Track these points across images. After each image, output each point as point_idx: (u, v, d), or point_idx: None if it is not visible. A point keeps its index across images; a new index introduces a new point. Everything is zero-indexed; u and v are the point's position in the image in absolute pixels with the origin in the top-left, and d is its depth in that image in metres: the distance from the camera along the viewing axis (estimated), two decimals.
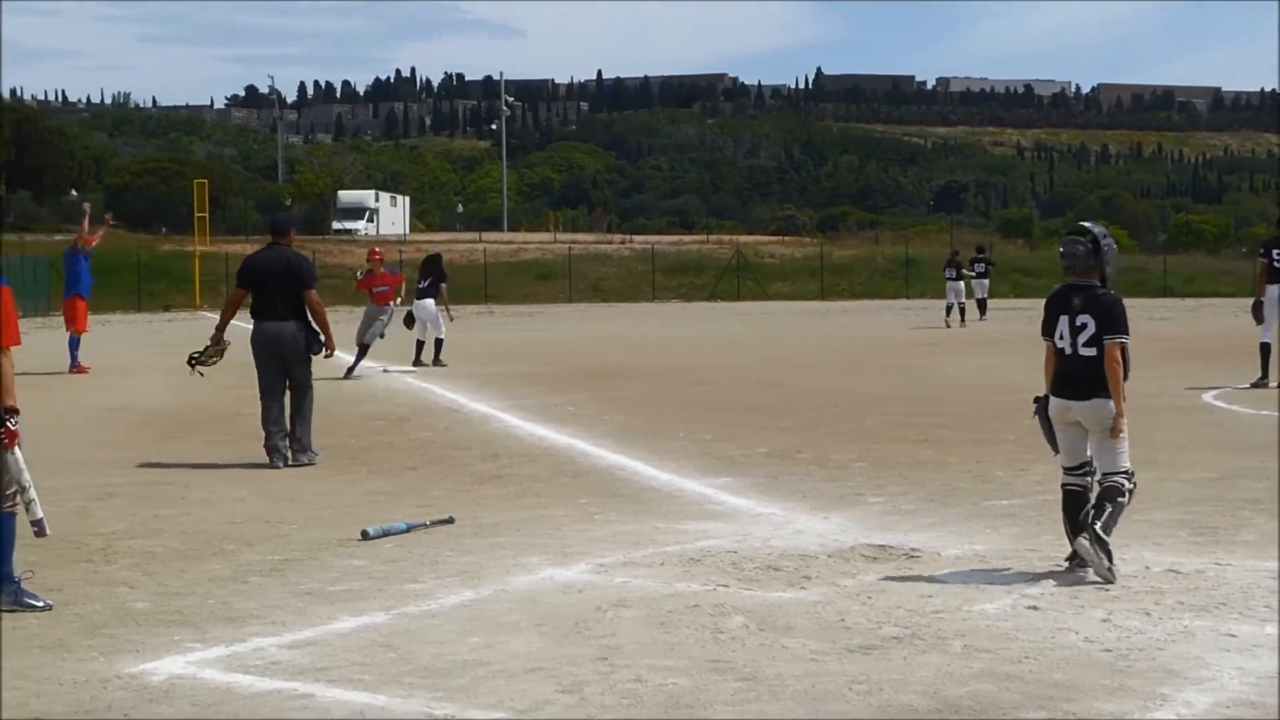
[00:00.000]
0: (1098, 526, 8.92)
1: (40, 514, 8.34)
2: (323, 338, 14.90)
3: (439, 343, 27.38)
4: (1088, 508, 9.14)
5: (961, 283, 45.20)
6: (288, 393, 14.72)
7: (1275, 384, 20.69)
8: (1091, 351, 9.19)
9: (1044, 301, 9.71)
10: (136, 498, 12.41)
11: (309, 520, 11.29)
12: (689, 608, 8.24)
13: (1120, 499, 9.09)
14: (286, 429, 14.57)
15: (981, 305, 46.16)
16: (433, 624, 7.97)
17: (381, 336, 25.63)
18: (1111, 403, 9.10)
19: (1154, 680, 6.75)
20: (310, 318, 14.77)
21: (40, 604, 8.32)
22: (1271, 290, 21.20)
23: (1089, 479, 9.29)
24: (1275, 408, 18.29)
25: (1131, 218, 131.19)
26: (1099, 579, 8.84)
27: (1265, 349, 21.25)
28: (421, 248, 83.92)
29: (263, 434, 14.60)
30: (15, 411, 8.24)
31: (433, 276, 27.67)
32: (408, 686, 6.76)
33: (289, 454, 14.47)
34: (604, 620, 7.99)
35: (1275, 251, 21.24)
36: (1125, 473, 9.16)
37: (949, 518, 11.24)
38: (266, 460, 14.37)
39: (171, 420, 18.40)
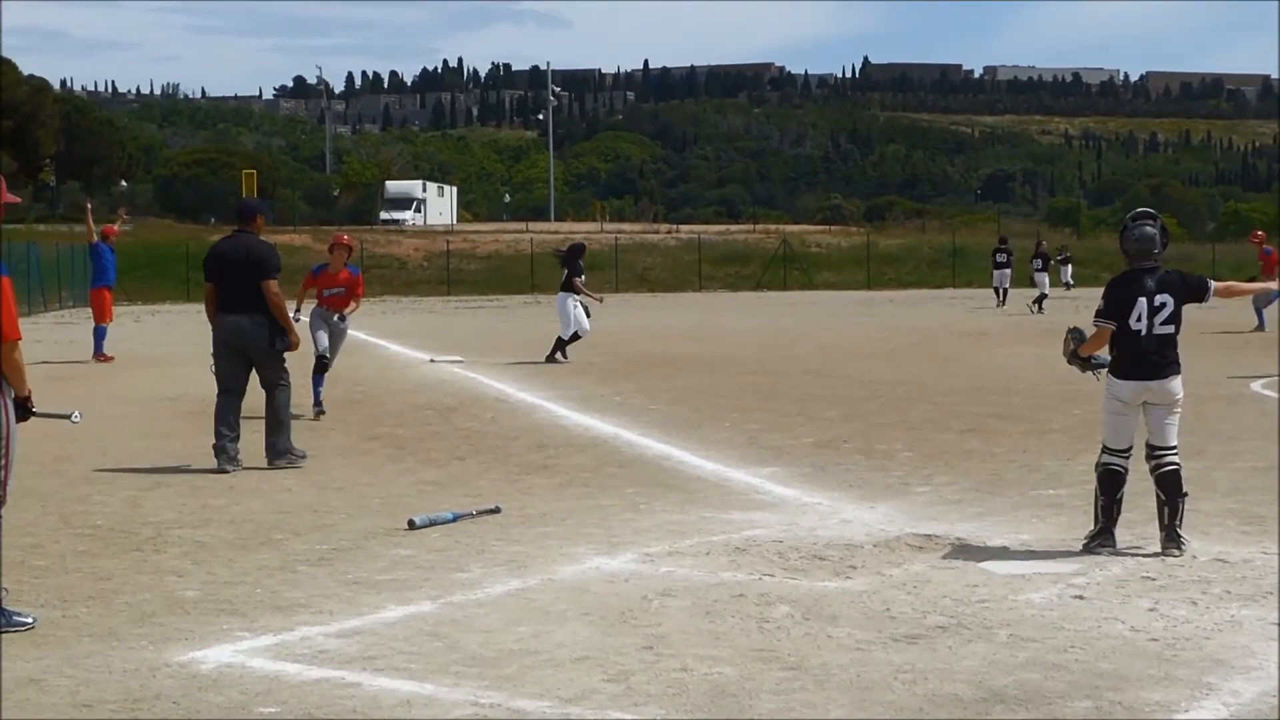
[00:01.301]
0: (1178, 528, 9.43)
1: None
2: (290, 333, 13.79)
3: (560, 340, 26.03)
4: (1162, 503, 9.47)
5: (1047, 273, 47.52)
6: (266, 394, 13.81)
7: None
8: (1169, 329, 9.49)
9: (1107, 286, 9.78)
10: (186, 487, 12.48)
11: (357, 510, 11.34)
12: (735, 597, 8.26)
13: (1182, 487, 9.47)
14: (238, 432, 13.62)
15: (1041, 300, 46.56)
16: (480, 613, 8.00)
17: (326, 359, 17.96)
18: (1181, 378, 9.55)
19: (1200, 670, 6.74)
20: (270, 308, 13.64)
21: (27, 622, 7.79)
22: None
23: (1128, 462, 9.60)
24: None
25: (1180, 206, 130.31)
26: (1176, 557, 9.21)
27: None
28: (468, 238, 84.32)
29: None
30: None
31: (566, 269, 26.77)
32: (455, 675, 6.79)
33: (239, 457, 13.50)
34: (650, 610, 8.01)
35: None
36: (1176, 449, 9.53)
37: (996, 508, 11.22)
38: (214, 464, 13.39)
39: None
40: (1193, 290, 9.66)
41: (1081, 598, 8.18)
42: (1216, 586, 8.40)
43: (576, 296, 26.40)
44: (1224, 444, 14.42)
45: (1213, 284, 9.76)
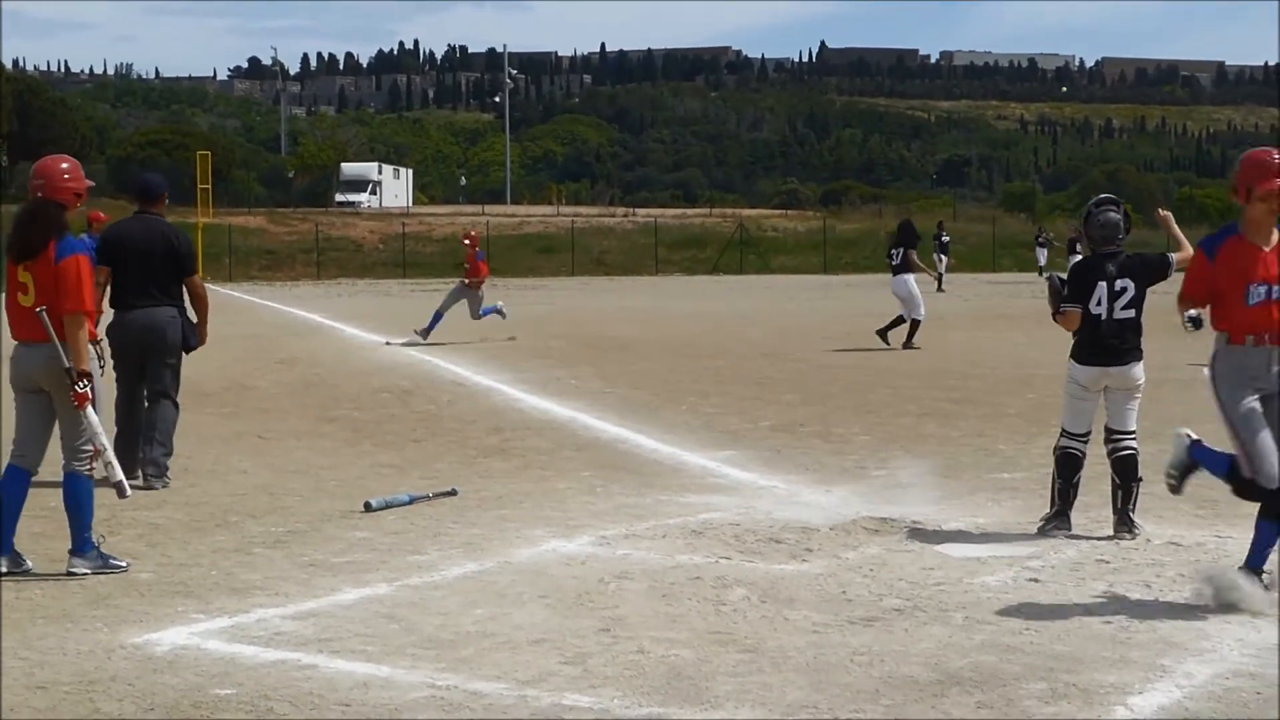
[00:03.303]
0: (1131, 512, 9.50)
1: (120, 476, 8.60)
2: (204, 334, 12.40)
3: (915, 323, 24.97)
4: (1116, 486, 9.56)
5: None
6: (150, 403, 12.10)
7: None
8: (1130, 314, 9.56)
9: (1070, 270, 9.90)
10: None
11: (313, 492, 11.31)
12: (691, 580, 8.27)
13: (1138, 472, 9.55)
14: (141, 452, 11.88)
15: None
16: (436, 595, 7.99)
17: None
18: (1142, 363, 9.69)
19: (1155, 652, 6.78)
20: (192, 305, 12.23)
21: (122, 565, 8.61)
22: None
23: (1087, 445, 9.69)
24: None
25: (1135, 192, 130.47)
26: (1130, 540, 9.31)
27: None
28: (424, 221, 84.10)
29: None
30: (87, 375, 8.44)
31: (901, 245, 25.59)
32: (411, 658, 6.78)
33: (144, 477, 11.65)
34: (607, 592, 8.02)
35: None
36: (1135, 433, 9.65)
37: (952, 491, 11.26)
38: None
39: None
40: (1155, 269, 9.71)
41: (1037, 581, 8.21)
42: (1170, 570, 8.45)
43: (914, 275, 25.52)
44: (1179, 427, 14.46)
45: (1173, 257, 9.77)
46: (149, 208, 12.29)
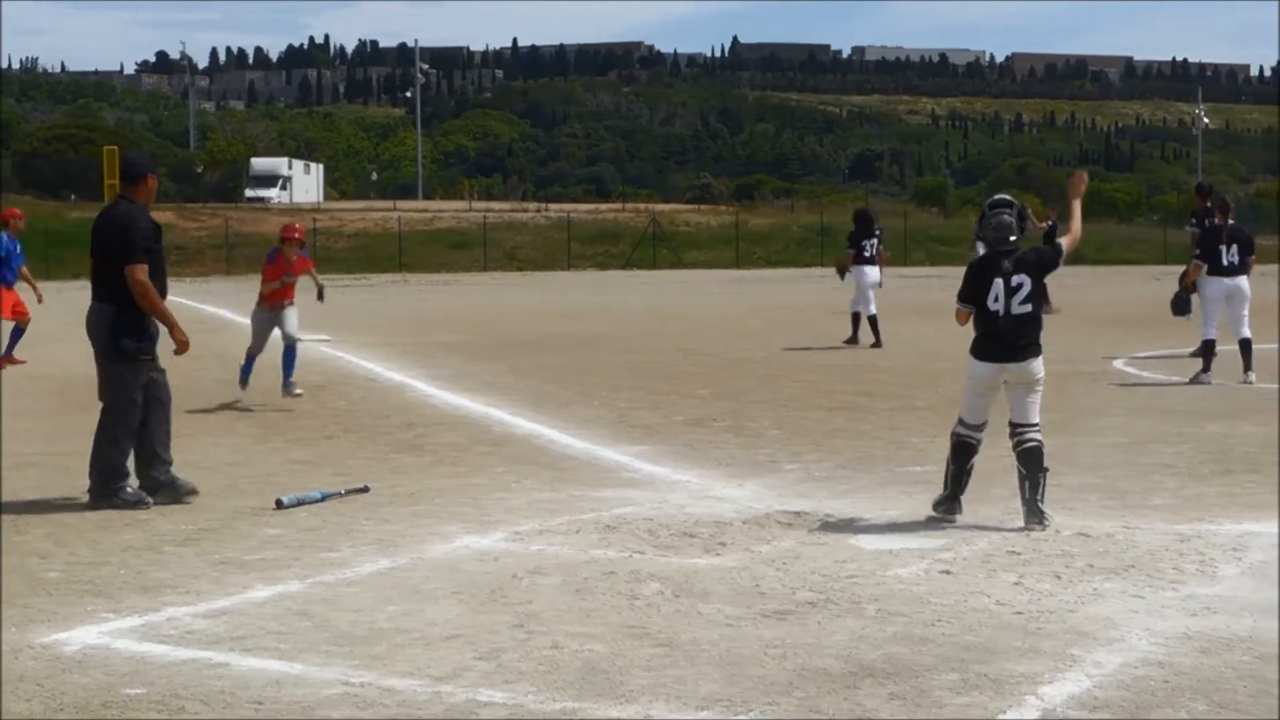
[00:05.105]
0: (1040, 503, 9.55)
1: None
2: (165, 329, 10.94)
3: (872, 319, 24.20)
4: (1023, 477, 9.61)
5: None
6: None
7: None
8: (1027, 308, 9.64)
9: (966, 269, 10.00)
10: (52, 468, 12.29)
11: (224, 489, 11.22)
12: (605, 574, 8.27)
13: (1044, 462, 9.59)
14: (157, 454, 10.84)
15: None
16: (350, 592, 7.96)
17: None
18: (1041, 359, 9.68)
19: (1065, 642, 6.84)
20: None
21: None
22: None
23: (983, 435, 9.83)
24: (1187, 375, 18.50)
25: (1045, 186, 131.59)
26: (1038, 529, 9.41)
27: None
28: (335, 216, 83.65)
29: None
30: None
31: (865, 236, 24.83)
32: (324, 655, 6.75)
33: (167, 483, 10.77)
34: (521, 587, 8.01)
35: (1207, 221, 21.43)
36: (1038, 425, 9.68)
37: (864, 484, 11.32)
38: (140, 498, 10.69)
39: (90, 389, 18.12)
40: (1048, 260, 9.89)
41: (948, 572, 8.27)
42: (1080, 560, 8.53)
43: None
44: (1087, 420, 14.66)
45: (1063, 244, 9.97)
46: (126, 192, 11.02)
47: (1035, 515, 9.50)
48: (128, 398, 10.71)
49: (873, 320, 24.07)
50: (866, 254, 24.58)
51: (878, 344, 23.74)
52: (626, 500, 10.67)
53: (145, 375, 10.78)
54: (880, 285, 24.64)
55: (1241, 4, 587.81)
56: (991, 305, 9.67)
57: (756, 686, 6.24)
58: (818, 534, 9.40)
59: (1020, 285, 9.63)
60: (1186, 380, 17.96)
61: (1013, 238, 9.82)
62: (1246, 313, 18.03)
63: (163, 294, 10.90)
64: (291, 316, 17.41)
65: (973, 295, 9.77)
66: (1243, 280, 17.98)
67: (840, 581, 8.07)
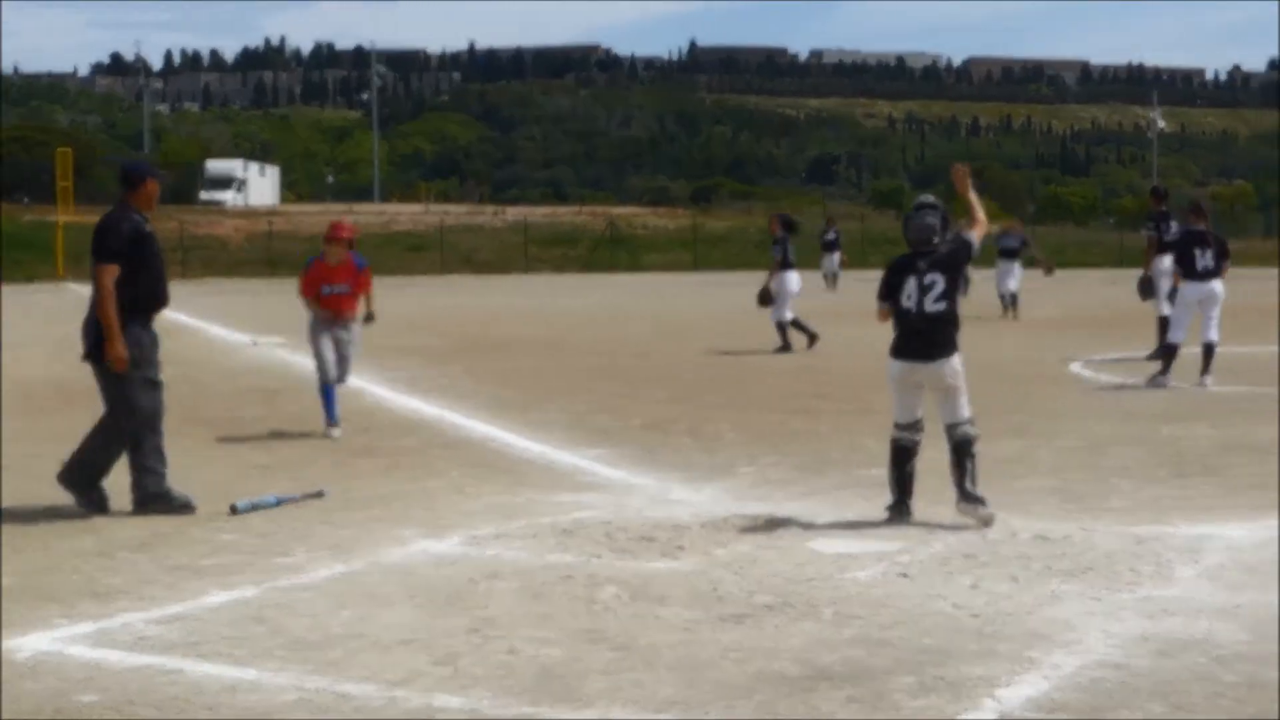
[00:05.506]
0: (970, 487, 9.65)
1: None
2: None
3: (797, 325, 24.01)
4: (952, 464, 9.78)
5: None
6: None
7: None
8: (940, 307, 9.78)
9: (885, 268, 10.20)
10: (6, 471, 12.19)
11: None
12: (562, 579, 8.24)
13: (975, 450, 9.75)
14: (147, 465, 10.60)
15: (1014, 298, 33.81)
16: (304, 597, 7.91)
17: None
18: (954, 359, 9.77)
19: (1022, 644, 6.84)
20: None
21: None
22: (1164, 262, 21.51)
23: (920, 435, 9.94)
24: (1144, 378, 18.58)
25: (1001, 189, 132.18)
26: (983, 526, 9.49)
27: (1164, 322, 21.34)
28: (291, 219, 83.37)
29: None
30: None
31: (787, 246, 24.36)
32: (279, 660, 6.70)
33: (158, 494, 10.54)
34: (477, 592, 7.98)
35: (1162, 225, 21.57)
36: (970, 420, 9.81)
37: (821, 487, 11.33)
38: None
39: (53, 392, 18.06)
40: (960, 255, 10.00)
41: (905, 575, 8.27)
42: (1037, 563, 8.54)
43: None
44: (1045, 422, 14.70)
45: (972, 236, 10.11)
46: (126, 198, 10.66)
47: (968, 499, 9.64)
48: (126, 405, 10.51)
49: (781, 326, 24.11)
50: (790, 260, 24.47)
51: (785, 348, 23.79)
52: (584, 504, 10.64)
53: (140, 382, 10.51)
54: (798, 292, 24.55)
55: (1197, 7, 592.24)
56: (905, 303, 9.85)
57: (714, 690, 6.22)
58: (775, 537, 9.39)
59: (933, 284, 9.78)
60: (1143, 383, 18.01)
61: (935, 239, 9.94)
62: (1217, 316, 18.13)
63: (160, 302, 10.71)
64: (348, 338, 14.87)
65: (887, 294, 10.00)
66: (1217, 284, 18.11)
67: (798, 585, 8.06)
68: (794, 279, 24.30)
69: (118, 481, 10.56)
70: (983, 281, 27.32)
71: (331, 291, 14.77)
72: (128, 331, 10.37)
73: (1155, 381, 17.84)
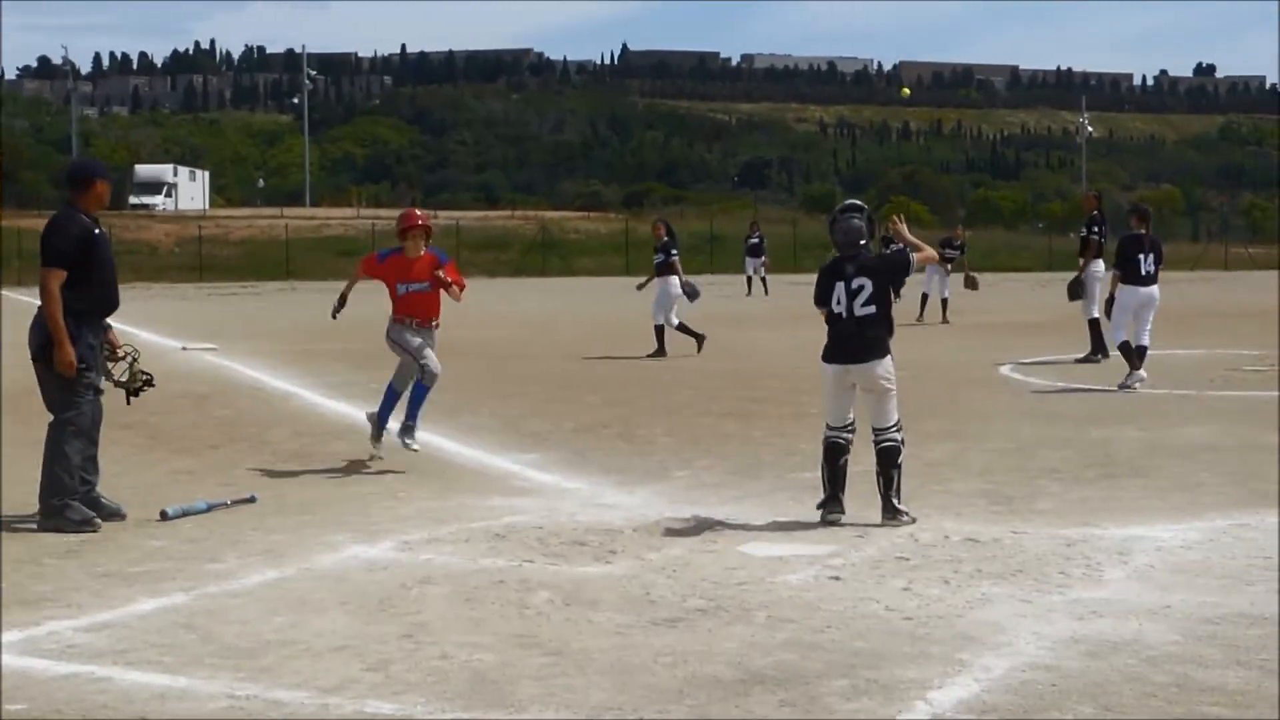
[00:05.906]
0: (895, 500, 9.83)
1: None
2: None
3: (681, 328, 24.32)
4: (877, 474, 9.94)
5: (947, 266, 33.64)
6: None
7: (1102, 358, 21.11)
8: (870, 310, 9.91)
9: (818, 274, 10.35)
10: None
11: (107, 500, 11.03)
12: (495, 584, 8.23)
13: (900, 460, 9.90)
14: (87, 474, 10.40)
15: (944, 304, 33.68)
16: (235, 604, 7.86)
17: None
18: (886, 360, 9.94)
19: (953, 646, 6.87)
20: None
21: None
22: (1096, 266, 21.72)
23: (852, 435, 10.06)
24: (1072, 382, 18.70)
25: (932, 194, 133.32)
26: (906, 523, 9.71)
27: (1094, 325, 21.53)
28: (221, 223, 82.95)
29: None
30: None
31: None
32: (210, 668, 6.66)
33: (88, 504, 10.26)
34: (410, 597, 7.95)
35: (1096, 229, 21.77)
36: (897, 425, 9.95)
37: (754, 491, 11.35)
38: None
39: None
40: (896, 267, 10.20)
41: (838, 579, 8.29)
42: (968, 565, 8.58)
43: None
44: (975, 425, 14.76)
45: (913, 256, 10.30)
46: (73, 199, 10.33)
47: (889, 513, 9.79)
48: (72, 407, 10.22)
49: (659, 329, 24.24)
50: (675, 264, 24.73)
51: (660, 353, 23.89)
52: (516, 509, 10.62)
53: (87, 385, 10.27)
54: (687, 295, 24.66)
55: (1125, 10, 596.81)
56: (835, 308, 10.00)
57: (647, 694, 6.22)
58: (708, 541, 9.40)
59: (861, 288, 9.91)
60: (1115, 387, 17.93)
61: (862, 241, 10.03)
62: (1151, 320, 18.34)
63: (111, 306, 10.46)
64: (430, 342, 13.51)
65: (821, 299, 10.16)
66: (1155, 289, 18.33)
67: (730, 589, 8.07)
68: (675, 283, 24.54)
69: (111, 484, 10.46)
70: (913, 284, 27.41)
71: (410, 290, 13.20)
72: (77, 336, 10.08)
73: (1131, 379, 17.86)
